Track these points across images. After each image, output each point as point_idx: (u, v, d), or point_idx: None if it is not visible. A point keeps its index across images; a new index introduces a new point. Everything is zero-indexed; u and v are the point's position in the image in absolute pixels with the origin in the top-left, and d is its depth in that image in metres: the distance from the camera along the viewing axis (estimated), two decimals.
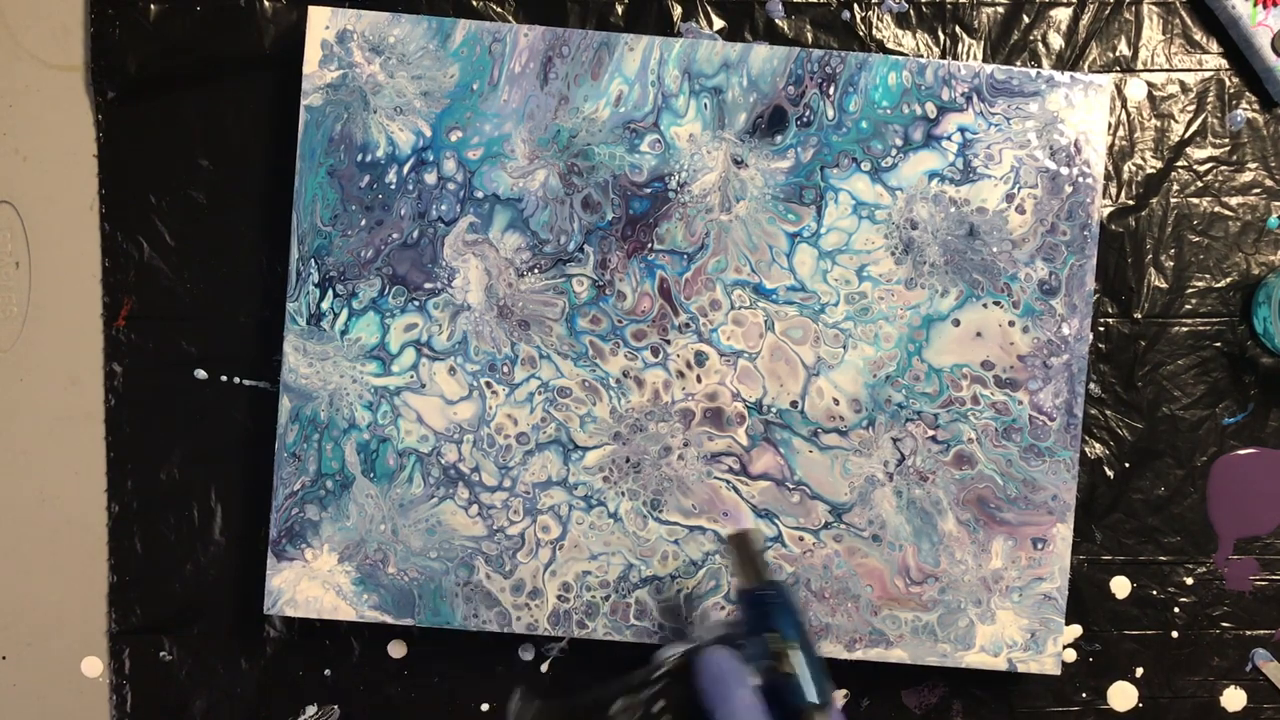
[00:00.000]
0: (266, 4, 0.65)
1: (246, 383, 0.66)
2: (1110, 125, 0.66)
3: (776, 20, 0.66)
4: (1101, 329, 0.66)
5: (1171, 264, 0.66)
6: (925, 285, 0.63)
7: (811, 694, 0.50)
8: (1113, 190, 0.66)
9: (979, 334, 0.63)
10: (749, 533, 0.58)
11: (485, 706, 0.66)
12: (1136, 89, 0.66)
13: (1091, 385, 0.66)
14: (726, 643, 0.52)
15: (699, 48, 0.63)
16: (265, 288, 0.65)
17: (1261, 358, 0.66)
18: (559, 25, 0.64)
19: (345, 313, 0.63)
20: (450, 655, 0.66)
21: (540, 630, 0.63)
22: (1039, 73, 0.63)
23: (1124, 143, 0.66)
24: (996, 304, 0.63)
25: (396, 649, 0.66)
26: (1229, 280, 0.66)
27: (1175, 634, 0.66)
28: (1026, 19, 0.66)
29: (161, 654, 0.67)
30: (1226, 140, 0.66)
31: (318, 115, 0.63)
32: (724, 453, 0.63)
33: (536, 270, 0.63)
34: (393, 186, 0.63)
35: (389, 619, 0.63)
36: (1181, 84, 0.66)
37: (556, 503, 0.63)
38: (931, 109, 0.63)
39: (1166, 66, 0.66)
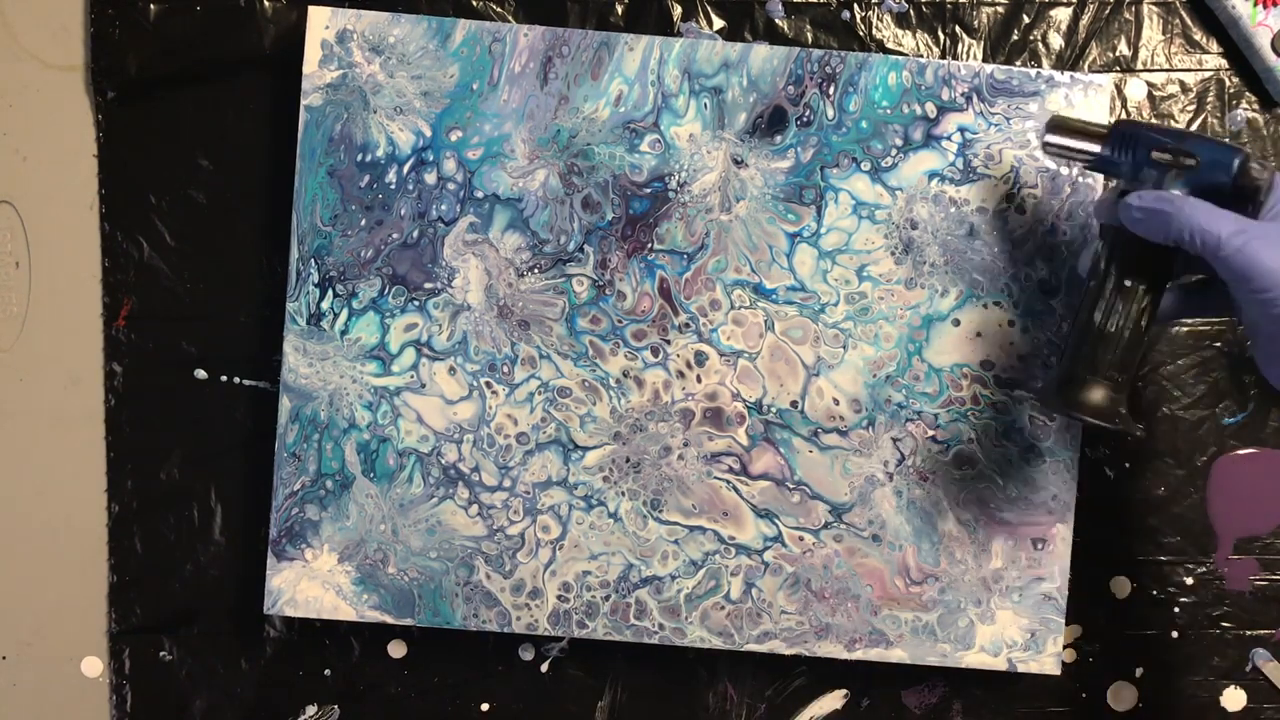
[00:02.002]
0: (266, 4, 0.65)
1: (246, 383, 0.66)
2: None
3: (776, 20, 0.66)
4: None
5: None
6: (925, 285, 0.63)
7: (1231, 156, 0.51)
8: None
9: (979, 334, 0.63)
10: (1056, 116, 0.57)
11: (485, 706, 0.66)
12: (1136, 89, 0.66)
13: None
14: (1127, 195, 0.53)
15: (699, 48, 0.63)
16: (265, 288, 0.65)
17: None
18: (559, 25, 0.64)
19: (345, 313, 0.63)
20: (450, 655, 0.66)
21: (540, 630, 0.63)
22: (1039, 73, 0.63)
23: None
24: (996, 304, 0.63)
25: (396, 649, 0.66)
26: None
27: (1175, 634, 0.66)
28: (1026, 19, 0.66)
29: (161, 654, 0.67)
30: (1226, 140, 0.66)
31: (318, 115, 0.63)
32: (724, 453, 0.63)
33: (536, 270, 0.63)
34: (393, 186, 0.63)
35: (389, 619, 0.63)
36: (1181, 84, 0.66)
37: (556, 503, 0.63)
38: (931, 109, 0.63)
39: (1166, 66, 0.66)
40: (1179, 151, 0.52)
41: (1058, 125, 0.56)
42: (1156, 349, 0.66)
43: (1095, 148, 0.55)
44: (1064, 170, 0.63)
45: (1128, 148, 0.54)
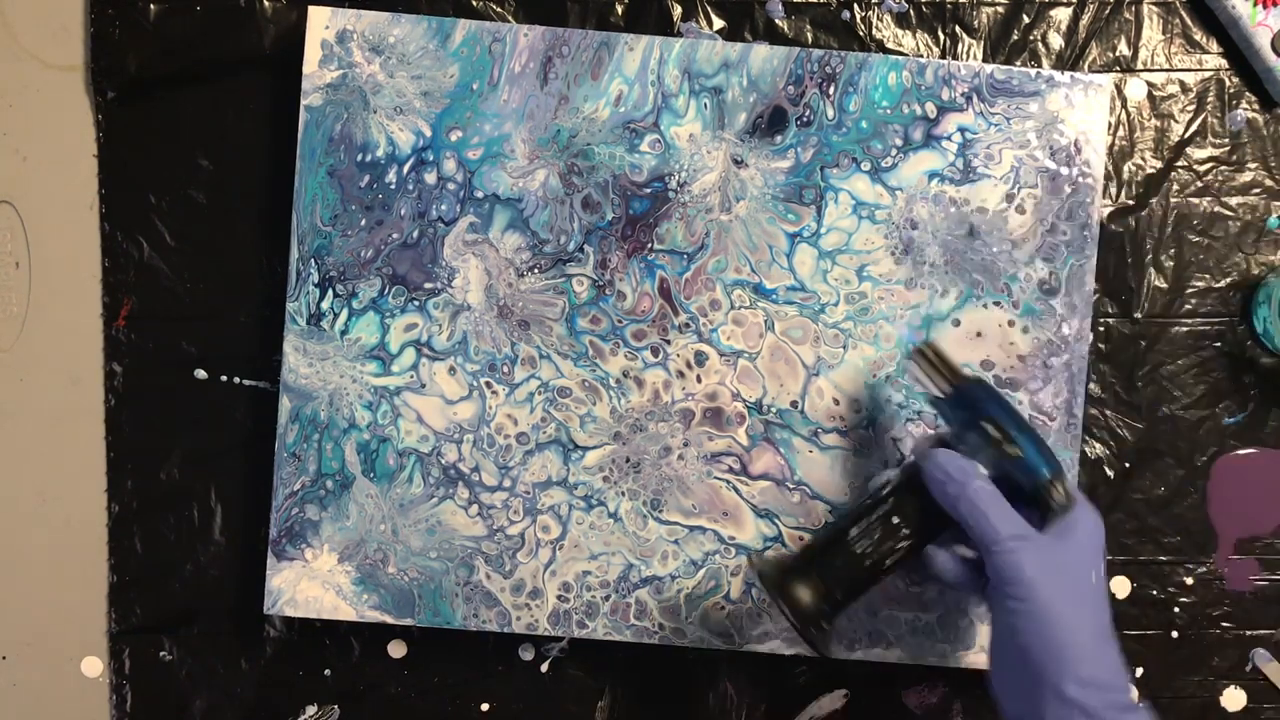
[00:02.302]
0: (266, 4, 0.65)
1: (246, 383, 0.66)
2: (1110, 125, 0.66)
3: (776, 20, 0.66)
4: (1101, 329, 0.66)
5: (1171, 264, 0.66)
6: (925, 285, 0.63)
7: (1045, 468, 0.51)
8: (1113, 190, 0.66)
9: (979, 334, 0.63)
10: (931, 343, 0.58)
11: (485, 706, 0.66)
12: (1136, 89, 0.66)
13: (1091, 385, 0.66)
14: (939, 448, 0.53)
15: (699, 48, 0.63)
16: (265, 288, 0.65)
17: (1261, 358, 0.66)
18: (559, 25, 0.64)
19: (345, 313, 0.63)
20: (450, 655, 0.66)
21: (540, 630, 0.63)
22: (1039, 73, 0.63)
23: (1124, 143, 0.66)
24: (996, 304, 0.63)
25: (396, 649, 0.66)
26: (1229, 280, 0.66)
27: (1175, 634, 0.66)
28: (1026, 19, 0.66)
29: (161, 654, 0.67)
30: (1226, 140, 0.66)
31: (318, 115, 0.63)
32: (724, 453, 0.63)
33: (536, 270, 0.63)
34: (393, 186, 0.63)
35: (389, 619, 0.63)
36: (1181, 84, 0.66)
37: (556, 503, 0.63)
38: (931, 109, 0.63)
39: (1166, 66, 0.66)
40: (1008, 439, 0.52)
41: (923, 354, 0.57)
42: (1156, 348, 0.66)
43: (939, 392, 0.56)
44: (1064, 170, 0.63)
45: (967, 409, 0.54)
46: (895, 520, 0.53)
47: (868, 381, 0.63)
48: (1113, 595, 0.66)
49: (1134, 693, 0.49)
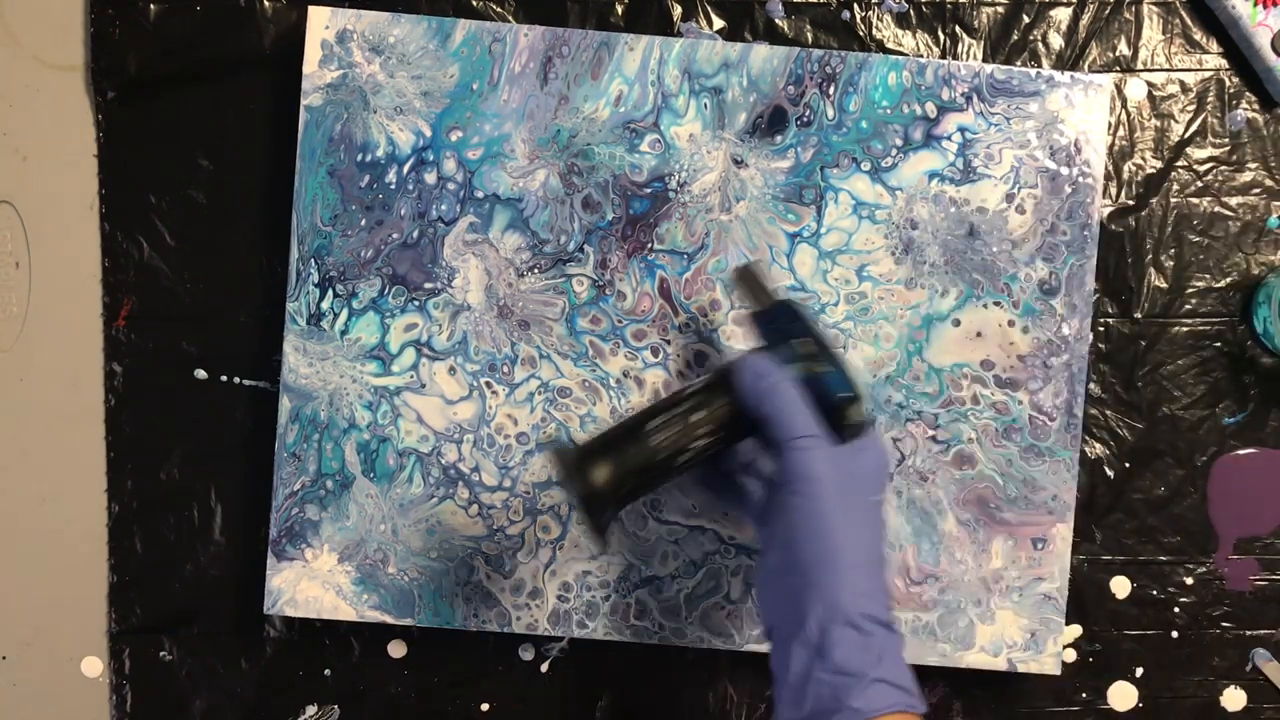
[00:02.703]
0: (266, 4, 0.65)
1: (246, 383, 0.66)
2: (1110, 125, 0.66)
3: (776, 20, 0.66)
4: (1101, 329, 0.66)
5: (1171, 264, 0.66)
6: (925, 285, 0.63)
7: (847, 386, 0.52)
8: (1113, 190, 0.66)
9: (979, 334, 0.63)
10: (752, 264, 0.59)
11: (485, 706, 0.66)
12: (1136, 89, 0.66)
13: (1091, 385, 0.66)
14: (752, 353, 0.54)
15: (699, 48, 0.63)
16: (265, 288, 0.65)
17: (1261, 358, 0.66)
18: (559, 25, 0.64)
19: (345, 313, 0.63)
20: (450, 655, 0.66)
21: (540, 630, 0.63)
22: (1039, 73, 0.63)
23: (1124, 143, 0.66)
24: (996, 304, 0.63)
25: (396, 649, 0.66)
26: (1229, 280, 0.66)
27: (1175, 634, 0.66)
28: (1026, 19, 0.66)
29: (161, 654, 0.67)
30: (1226, 140, 0.66)
31: (318, 115, 0.63)
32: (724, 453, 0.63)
33: (536, 270, 0.63)
34: (393, 186, 0.63)
35: (389, 619, 0.63)
36: (1181, 84, 0.66)
37: (556, 503, 0.63)
38: (931, 109, 0.63)
39: (1166, 66, 0.66)
40: (818, 354, 0.53)
41: (744, 273, 0.59)
42: (1156, 348, 0.66)
43: (757, 307, 0.57)
44: (1064, 170, 0.63)
45: (782, 322, 0.55)
46: (695, 418, 0.53)
47: (867, 382, 0.63)
48: (1113, 595, 0.66)
49: (896, 620, 0.50)
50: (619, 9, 0.66)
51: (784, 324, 0.55)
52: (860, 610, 0.48)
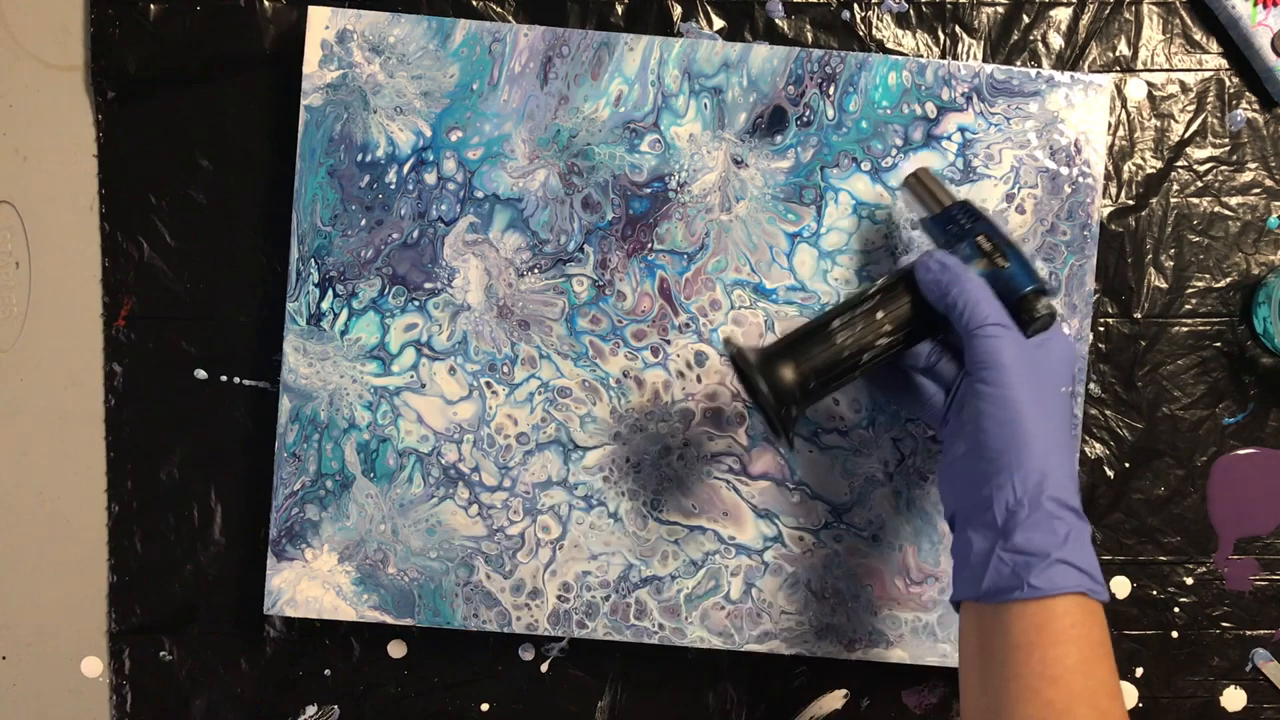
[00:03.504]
0: (266, 4, 0.65)
1: (246, 383, 0.66)
2: (1110, 125, 0.66)
3: (776, 20, 0.66)
4: (1101, 329, 0.66)
5: (1171, 264, 0.66)
6: None
7: (1031, 279, 0.52)
8: (1113, 190, 0.66)
9: None
10: (925, 167, 0.60)
11: (485, 706, 0.66)
12: (1136, 89, 0.66)
13: (1091, 385, 0.66)
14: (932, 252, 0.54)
15: (699, 48, 0.63)
16: (265, 288, 0.65)
17: (1261, 358, 0.66)
18: (559, 25, 0.64)
19: (345, 313, 0.63)
20: (450, 655, 0.66)
21: (540, 630, 0.63)
22: (1039, 73, 0.63)
23: (1124, 143, 0.66)
24: None
25: (396, 649, 0.66)
26: (1229, 280, 0.66)
27: (1175, 634, 0.66)
28: (1026, 19, 0.66)
29: (161, 654, 0.67)
30: (1226, 140, 0.66)
31: (318, 115, 0.63)
32: (724, 453, 0.63)
33: (536, 270, 0.63)
34: (393, 186, 0.63)
35: (389, 619, 0.63)
36: (1181, 84, 0.66)
37: (556, 503, 0.63)
38: (931, 109, 0.63)
39: (1166, 66, 0.66)
40: (998, 249, 0.53)
41: (916, 177, 0.59)
42: (1156, 348, 0.66)
43: (936, 208, 0.57)
44: (1064, 170, 0.63)
45: (961, 221, 0.56)
46: (880, 315, 0.53)
47: (868, 381, 0.63)
48: (1113, 595, 0.66)
49: (1082, 511, 0.50)
50: (619, 9, 0.66)
51: (964, 223, 0.55)
52: (1048, 494, 0.48)
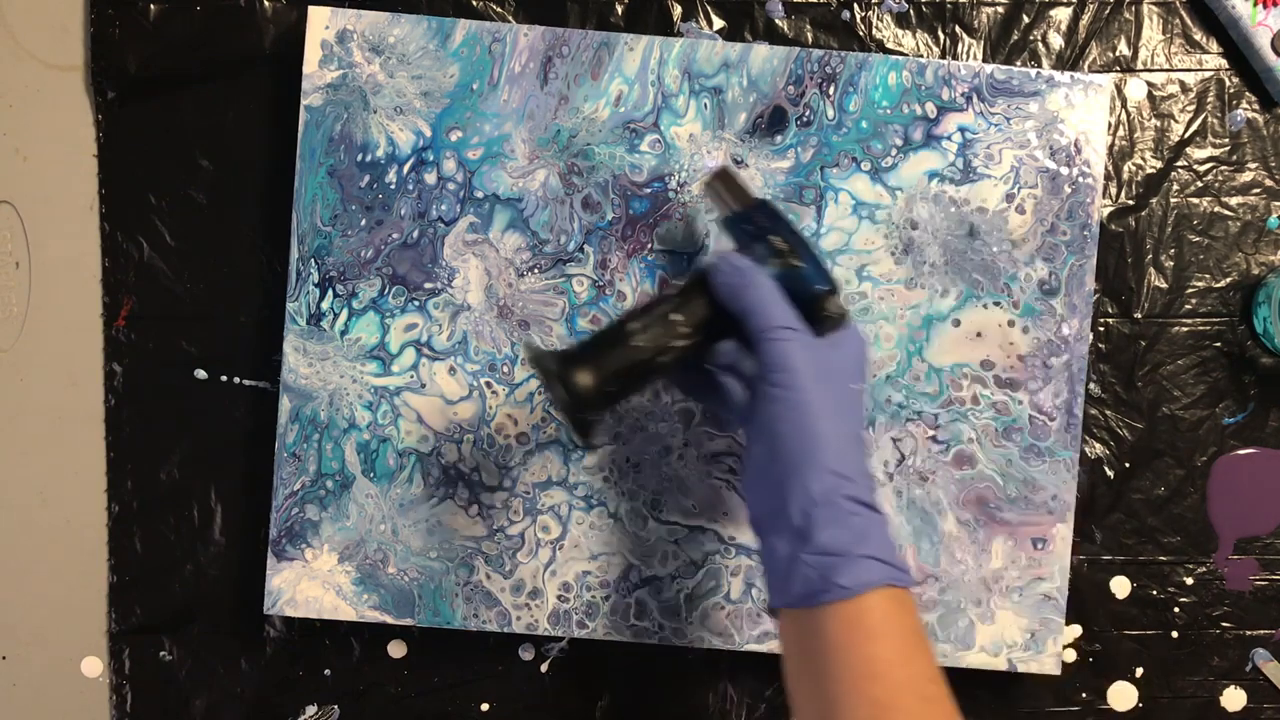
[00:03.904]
0: (266, 4, 0.65)
1: (246, 383, 0.66)
2: (1110, 125, 0.66)
3: (776, 20, 0.66)
4: (1101, 329, 0.66)
5: (1171, 264, 0.66)
6: (925, 285, 0.63)
7: (824, 279, 0.53)
8: (1113, 190, 0.66)
9: (979, 334, 0.63)
10: (727, 167, 0.59)
11: (485, 706, 0.66)
12: (1136, 89, 0.66)
13: (1091, 385, 0.66)
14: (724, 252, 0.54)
15: (699, 48, 0.63)
16: (265, 288, 0.65)
17: (1261, 358, 0.66)
18: (559, 25, 0.64)
19: (345, 313, 0.63)
20: (450, 655, 0.66)
21: (540, 630, 0.63)
22: (1039, 73, 0.63)
23: (1124, 143, 0.66)
24: (996, 304, 0.63)
25: (396, 649, 0.66)
26: (1229, 280, 0.66)
27: (1175, 634, 0.66)
28: (1026, 19, 0.66)
29: (161, 654, 0.67)
30: (1226, 140, 0.66)
31: (318, 115, 0.63)
32: (724, 453, 0.63)
33: (536, 270, 0.63)
34: (393, 186, 0.63)
35: (389, 619, 0.63)
36: (1181, 84, 0.66)
37: (556, 503, 0.63)
38: (931, 109, 0.63)
39: (1166, 66, 0.66)
40: (793, 249, 0.53)
41: (722, 176, 0.58)
42: (1156, 348, 0.66)
43: (735, 208, 0.57)
44: (1064, 170, 0.63)
45: (759, 221, 0.55)
46: (676, 317, 0.53)
47: (870, 383, 0.63)
48: (1113, 595, 0.66)
49: (879, 498, 0.51)
50: (619, 9, 0.66)
51: (760, 224, 0.55)
52: (842, 492, 0.48)
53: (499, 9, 0.66)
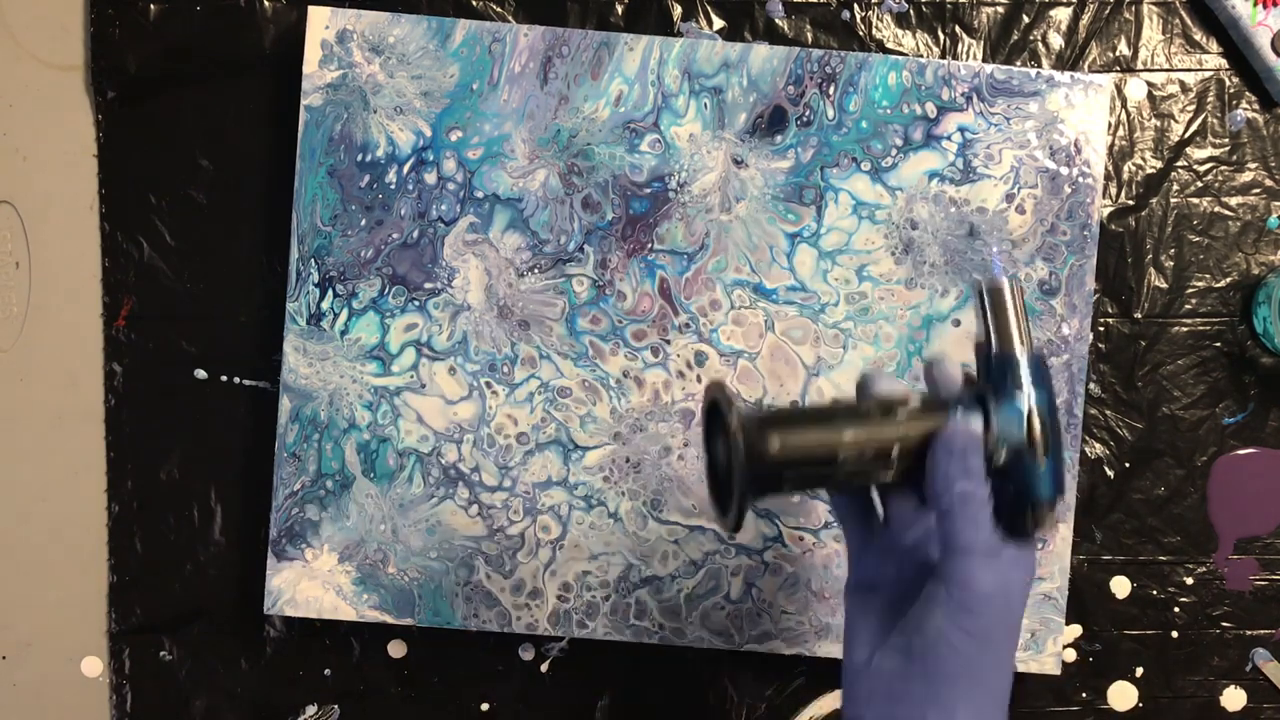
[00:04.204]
0: (266, 4, 0.65)
1: (246, 383, 0.66)
2: (1110, 125, 0.66)
3: (776, 20, 0.66)
4: (1101, 329, 0.66)
5: (1171, 264, 0.66)
6: (925, 285, 0.63)
7: (1052, 489, 0.45)
8: (1113, 190, 0.66)
9: None
10: (1015, 282, 0.46)
11: (485, 706, 0.66)
12: (1136, 89, 0.66)
13: (1091, 385, 0.66)
14: (975, 406, 0.46)
15: (699, 48, 0.63)
16: (265, 288, 0.65)
17: (1261, 358, 0.66)
18: (559, 25, 0.64)
19: (345, 313, 0.63)
20: (450, 655, 0.66)
21: (540, 630, 0.63)
22: (1039, 73, 0.63)
23: (1124, 143, 0.66)
24: None
25: (396, 649, 0.66)
26: (1229, 280, 0.66)
27: (1175, 634, 0.66)
28: (1026, 19, 0.66)
29: (161, 654, 0.67)
30: (1226, 140, 0.66)
31: (318, 115, 0.63)
32: None
33: (536, 270, 0.63)
34: (393, 186, 0.63)
35: (389, 619, 0.63)
36: (1181, 84, 0.66)
37: (556, 503, 0.63)
38: (931, 109, 0.63)
39: (1166, 66, 0.66)
40: (1043, 446, 0.45)
41: (1012, 291, 0.46)
42: (1157, 348, 0.66)
43: (997, 344, 0.46)
44: (1064, 170, 0.63)
45: (1015, 381, 0.45)
46: (892, 439, 0.45)
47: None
48: (1113, 595, 0.66)
49: None
50: (619, 9, 0.66)
51: (1022, 380, 0.45)
52: None
53: (499, 9, 0.66)
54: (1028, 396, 0.45)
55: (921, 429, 0.45)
